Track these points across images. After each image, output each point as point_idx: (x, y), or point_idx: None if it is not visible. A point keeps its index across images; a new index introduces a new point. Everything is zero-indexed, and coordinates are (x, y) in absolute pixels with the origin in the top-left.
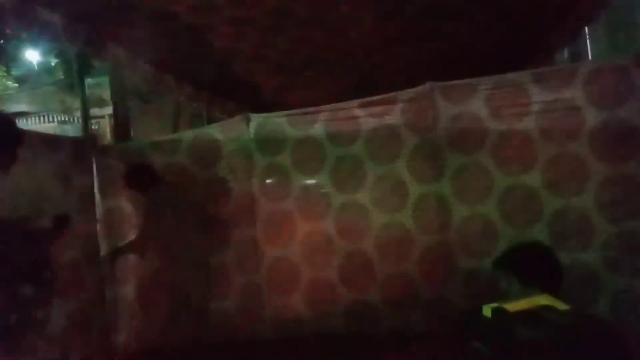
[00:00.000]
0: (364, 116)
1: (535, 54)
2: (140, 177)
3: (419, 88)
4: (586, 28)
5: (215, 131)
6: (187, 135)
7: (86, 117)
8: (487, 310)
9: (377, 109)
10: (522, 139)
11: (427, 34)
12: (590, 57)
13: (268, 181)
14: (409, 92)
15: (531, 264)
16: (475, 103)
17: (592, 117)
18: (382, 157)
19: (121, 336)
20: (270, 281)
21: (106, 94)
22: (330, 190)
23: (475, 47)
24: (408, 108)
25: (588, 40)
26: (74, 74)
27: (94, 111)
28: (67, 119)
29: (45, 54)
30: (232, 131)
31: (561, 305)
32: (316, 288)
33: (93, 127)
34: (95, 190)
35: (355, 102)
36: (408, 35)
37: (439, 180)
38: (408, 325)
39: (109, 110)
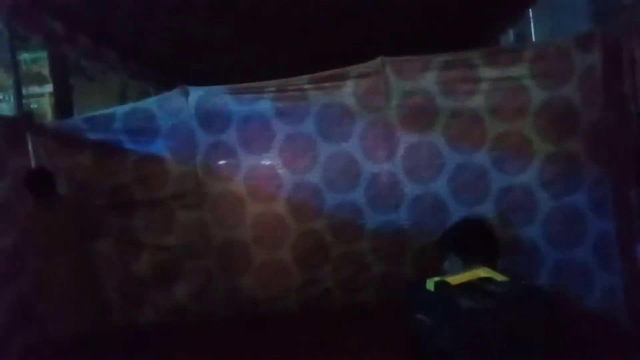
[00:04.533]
0: (314, 92)
1: (481, 34)
2: (39, 181)
3: (371, 62)
4: (530, 10)
5: (152, 105)
6: (122, 109)
7: (20, 95)
8: (430, 284)
9: (328, 85)
10: (472, 116)
11: (377, 9)
12: (534, 39)
13: (221, 162)
14: (361, 67)
15: (469, 241)
16: (427, 80)
17: (536, 96)
18: (334, 136)
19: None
20: (221, 263)
21: (45, 70)
22: (281, 170)
23: (424, 26)
24: (360, 84)
25: (532, 22)
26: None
27: (33, 89)
28: (1, 96)
29: None
30: (169, 105)
31: (499, 277)
32: (268, 269)
33: (32, 105)
34: None
35: (305, 78)
36: (358, 10)
37: (390, 159)
38: (360, 301)
39: (49, 88)
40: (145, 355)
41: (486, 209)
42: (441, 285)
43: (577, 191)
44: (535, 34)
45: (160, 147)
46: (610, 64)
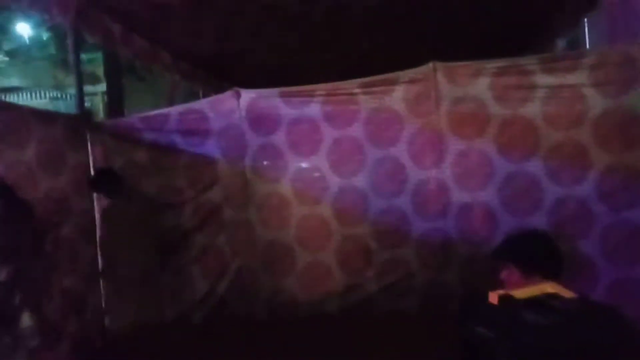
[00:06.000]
0: (363, 97)
1: (535, 40)
2: (106, 180)
3: (422, 68)
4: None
5: (205, 106)
6: (176, 110)
7: (81, 94)
8: (493, 297)
9: (378, 90)
10: (525, 124)
11: (429, 12)
12: (587, 46)
13: (265, 163)
14: (411, 72)
15: (530, 252)
16: (479, 86)
17: (596, 105)
18: (382, 140)
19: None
20: (265, 264)
21: (99, 71)
22: (327, 173)
23: (477, 30)
24: (410, 89)
25: (586, 30)
26: (67, 48)
27: (87, 88)
28: (59, 95)
29: (36, 27)
30: (222, 107)
31: (566, 293)
32: (312, 272)
33: (86, 104)
34: (92, 168)
35: (355, 83)
36: (409, 13)
37: (439, 165)
38: (403, 308)
39: (102, 87)
40: (187, 350)
41: (538, 221)
42: (505, 299)
43: (638, 205)
44: (589, 42)
45: (211, 148)
46: None
